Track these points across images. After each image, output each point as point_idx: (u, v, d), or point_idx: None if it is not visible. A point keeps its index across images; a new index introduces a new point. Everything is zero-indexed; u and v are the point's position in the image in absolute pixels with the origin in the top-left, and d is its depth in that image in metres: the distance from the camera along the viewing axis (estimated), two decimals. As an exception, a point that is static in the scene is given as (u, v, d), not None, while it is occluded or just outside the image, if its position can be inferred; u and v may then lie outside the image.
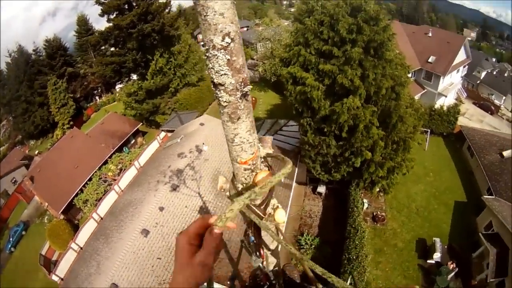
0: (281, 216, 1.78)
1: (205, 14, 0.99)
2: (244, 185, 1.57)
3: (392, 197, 17.04)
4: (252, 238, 2.67)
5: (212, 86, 1.20)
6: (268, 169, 1.60)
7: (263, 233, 2.09)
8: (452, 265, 13.74)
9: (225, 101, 1.20)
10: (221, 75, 1.11)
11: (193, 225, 0.88)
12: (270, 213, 1.78)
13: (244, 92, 1.19)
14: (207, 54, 1.09)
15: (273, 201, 1.84)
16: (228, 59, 1.08)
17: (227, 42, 1.04)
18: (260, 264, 2.58)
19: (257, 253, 2.44)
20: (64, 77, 39.62)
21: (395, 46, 13.58)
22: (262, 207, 1.68)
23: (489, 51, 66.81)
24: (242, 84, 1.17)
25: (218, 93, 1.18)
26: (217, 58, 1.07)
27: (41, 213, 24.58)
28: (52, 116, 37.83)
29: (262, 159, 1.59)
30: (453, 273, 13.65)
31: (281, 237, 2.28)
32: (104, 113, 36.19)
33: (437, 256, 14.61)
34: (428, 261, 14.81)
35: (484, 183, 19.17)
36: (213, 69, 1.11)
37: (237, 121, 1.28)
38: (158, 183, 14.65)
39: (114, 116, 29.82)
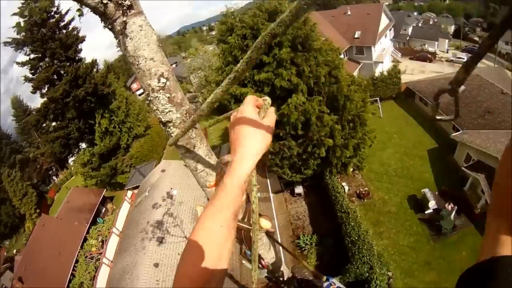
0: (266, 223, 1.84)
1: (137, 63, 1.10)
2: None
3: (368, 170, 17.55)
4: (249, 252, 2.62)
5: (161, 125, 1.27)
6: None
7: (259, 244, 2.14)
8: (450, 206, 14.21)
9: (177, 135, 1.26)
10: (166, 113, 1.20)
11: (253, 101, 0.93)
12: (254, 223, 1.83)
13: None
14: (149, 98, 1.17)
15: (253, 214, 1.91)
16: (169, 97, 1.17)
17: (163, 82, 1.14)
18: (266, 274, 2.55)
19: (259, 265, 2.40)
20: (16, 165, 37.52)
21: (319, 35, 14.24)
22: (245, 219, 1.71)
23: (409, 7, 72.00)
24: (187, 115, 1.25)
25: (169, 130, 1.26)
26: (158, 99, 1.17)
27: (39, 312, 22.62)
28: (17, 210, 35.60)
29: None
30: (454, 212, 14.09)
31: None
32: (66, 191, 34.51)
33: (432, 204, 15.04)
34: (426, 212, 15.24)
35: (447, 124, 20.30)
36: (158, 110, 1.19)
37: (193, 149, 1.36)
38: (143, 241, 14.22)
39: (77, 190, 28.65)
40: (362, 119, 14.69)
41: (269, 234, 2.28)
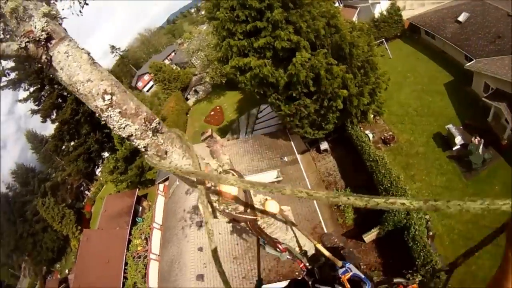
0: (273, 207, 1.75)
1: (77, 90, 1.06)
2: (217, 202, 1.55)
3: (388, 114, 17.10)
4: (263, 241, 2.62)
5: (127, 141, 1.22)
6: (232, 174, 1.57)
7: (273, 228, 2.03)
8: (476, 139, 13.77)
9: (144, 146, 1.22)
10: (124, 128, 1.14)
11: None
12: (262, 210, 1.75)
13: (153, 128, 1.21)
14: (102, 120, 1.12)
15: (258, 198, 1.82)
16: (120, 111, 1.11)
17: (108, 99, 1.08)
18: (288, 257, 2.52)
19: (278, 249, 2.40)
20: (47, 193, 39.25)
21: (308, -12, 13.59)
22: (248, 210, 1.65)
23: None
24: (147, 122, 1.18)
25: (134, 143, 1.21)
26: (111, 117, 1.11)
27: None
28: (59, 233, 37.55)
29: (220, 170, 1.57)
30: (481, 146, 13.66)
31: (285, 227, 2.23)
32: (101, 201, 35.92)
33: (458, 140, 14.71)
34: (454, 148, 14.94)
35: (459, 54, 19.38)
36: (115, 127, 1.13)
37: (166, 155, 1.28)
38: (183, 229, 14.80)
39: (111, 198, 29.71)
40: (372, 63, 14.21)
41: (285, 217, 2.18)
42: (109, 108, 1.08)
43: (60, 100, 25.57)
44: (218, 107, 31.85)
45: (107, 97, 1.07)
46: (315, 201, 13.36)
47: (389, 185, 12.69)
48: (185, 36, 38.67)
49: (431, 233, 12.25)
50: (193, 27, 42.49)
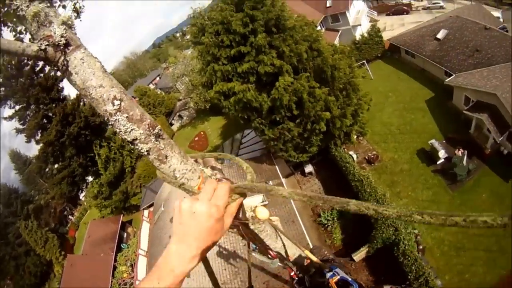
0: (263, 213, 1.77)
1: (89, 94, 1.15)
2: None
3: (371, 134, 17.46)
4: (254, 246, 2.59)
5: (129, 144, 1.30)
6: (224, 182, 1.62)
7: (263, 236, 2.09)
8: (459, 151, 14.11)
9: (146, 150, 1.30)
10: (130, 132, 1.22)
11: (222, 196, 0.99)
12: (252, 216, 1.81)
13: (156, 133, 1.30)
14: (110, 123, 1.21)
15: (249, 204, 1.84)
16: (127, 116, 1.20)
17: (117, 104, 1.17)
18: (279, 263, 2.51)
19: (269, 256, 2.37)
20: (30, 215, 37.92)
21: (291, 13, 14.06)
22: (240, 215, 1.61)
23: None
24: (150, 128, 1.27)
25: (137, 147, 1.29)
26: (118, 121, 1.19)
27: None
28: (42, 257, 36.05)
29: (214, 177, 1.61)
30: (465, 157, 14.01)
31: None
32: (85, 226, 34.92)
33: (442, 153, 15.06)
34: (438, 162, 15.25)
35: (438, 71, 20.14)
36: (121, 131, 1.22)
37: (166, 159, 1.36)
38: (169, 257, 14.24)
39: (95, 223, 28.96)
40: (354, 85, 14.56)
41: (272, 225, 2.22)
42: (118, 113, 1.18)
43: (45, 121, 25.09)
44: (202, 133, 32.02)
45: (117, 102, 1.17)
46: (302, 224, 13.29)
47: (375, 203, 12.71)
48: (170, 60, 39.30)
49: (421, 247, 12.34)
50: (178, 52, 43.09)
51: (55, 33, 1.11)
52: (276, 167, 16.34)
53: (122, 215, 27.42)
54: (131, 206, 28.12)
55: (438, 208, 13.79)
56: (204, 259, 1.11)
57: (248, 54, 12.38)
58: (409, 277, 10.64)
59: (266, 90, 12.47)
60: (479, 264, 11.58)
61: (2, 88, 23.42)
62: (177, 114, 37.25)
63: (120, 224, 25.96)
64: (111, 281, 21.85)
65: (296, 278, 2.36)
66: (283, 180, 15.63)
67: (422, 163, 16.03)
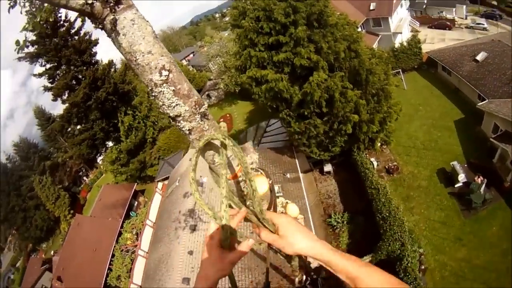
0: (294, 211, 1.76)
1: (135, 59, 1.03)
2: (245, 196, 1.53)
3: (396, 144, 17.13)
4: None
5: (171, 121, 1.21)
6: (260, 173, 1.58)
7: None
8: (479, 179, 13.77)
9: (189, 129, 1.21)
10: (174, 107, 1.13)
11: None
12: (282, 212, 1.77)
13: (202, 112, 1.21)
14: (153, 94, 1.10)
15: (281, 199, 1.82)
16: (174, 90, 1.10)
17: (165, 75, 1.07)
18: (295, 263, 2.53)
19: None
20: (46, 171, 39.29)
21: (334, 10, 13.82)
22: (271, 210, 1.61)
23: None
24: (197, 106, 1.18)
25: (179, 124, 1.20)
26: (163, 93, 1.09)
27: (83, 307, 23.92)
28: (51, 213, 37.37)
29: (251, 165, 1.56)
30: (483, 185, 13.66)
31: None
32: (98, 189, 35.93)
33: (461, 177, 14.66)
34: (456, 185, 14.87)
35: (472, 93, 19.47)
36: (164, 105, 1.12)
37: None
38: (176, 230, 14.58)
39: (108, 188, 29.61)
40: (386, 92, 14.28)
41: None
42: (164, 84, 1.09)
43: (74, 82, 25.74)
44: (228, 115, 32.03)
45: (164, 72, 1.07)
46: (311, 222, 13.29)
47: (387, 214, 12.57)
48: (206, 39, 39.21)
49: (423, 267, 12.17)
50: (215, 32, 43.16)
51: None
52: (296, 160, 16.27)
53: (136, 184, 27.99)
54: (146, 176, 28.51)
55: (448, 231, 13.59)
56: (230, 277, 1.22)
57: (286, 45, 12.26)
58: None
59: (298, 83, 12.36)
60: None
61: (35, 46, 24.13)
62: (206, 93, 37.40)
63: (132, 192, 26.51)
64: (114, 246, 22.32)
65: (309, 280, 2.35)
66: (301, 175, 15.55)
67: (440, 183, 15.65)
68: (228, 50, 27.79)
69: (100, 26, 1.06)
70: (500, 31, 28.48)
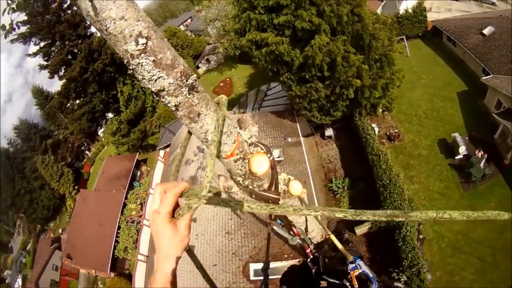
0: (297, 188, 1.70)
1: (105, 27, 0.86)
2: (243, 176, 1.46)
3: (397, 111, 16.98)
4: (279, 221, 2.62)
5: (154, 96, 1.05)
6: (260, 148, 1.48)
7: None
8: (480, 153, 13.81)
9: (175, 105, 1.06)
10: (156, 81, 0.97)
11: (167, 203, 0.95)
12: (284, 190, 1.70)
13: (189, 85, 1.05)
14: (130, 67, 0.94)
15: (283, 176, 1.74)
16: (154, 60, 0.93)
17: (143, 44, 0.90)
18: (299, 241, 2.53)
19: (291, 232, 2.39)
20: (48, 150, 39.32)
21: (336, -29, 13.21)
22: (272, 188, 1.57)
23: None
24: (183, 78, 1.02)
25: (164, 100, 1.04)
26: (141, 65, 0.93)
27: (93, 281, 24.83)
28: (56, 191, 37.77)
29: (249, 142, 1.46)
30: (483, 160, 13.70)
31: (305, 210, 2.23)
32: (100, 162, 36.02)
33: (462, 149, 14.67)
34: (456, 157, 14.90)
35: (477, 66, 19.08)
36: (145, 78, 0.96)
37: (198, 118, 1.14)
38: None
39: (110, 159, 29.66)
40: (390, 58, 13.95)
41: (300, 199, 2.11)
42: (142, 55, 0.91)
43: (70, 57, 25.34)
44: (228, 79, 31.51)
45: (142, 41, 0.89)
46: (312, 186, 13.48)
47: (387, 181, 12.71)
48: (203, 3, 37.77)
49: (421, 237, 12.44)
50: (213, -4, 41.45)
51: None
52: (297, 125, 16.25)
53: (138, 153, 27.98)
54: (148, 145, 28.53)
55: (446, 203, 13.79)
56: (191, 255, 1.17)
57: (287, 7, 11.83)
58: (403, 263, 10.71)
59: (300, 46, 12.07)
60: (470, 270, 11.67)
61: (27, 26, 23.43)
62: (205, 57, 36.51)
63: (135, 162, 26.53)
64: (119, 218, 22.68)
65: (311, 256, 2.35)
66: (302, 139, 15.55)
67: (441, 154, 15.68)
68: (227, 13, 26.90)
69: (68, 11, 0.85)
70: (509, 7, 27.44)
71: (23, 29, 23.18)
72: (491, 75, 16.94)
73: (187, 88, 1.03)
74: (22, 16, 22.48)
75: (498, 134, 15.17)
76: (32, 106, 44.44)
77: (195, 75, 1.06)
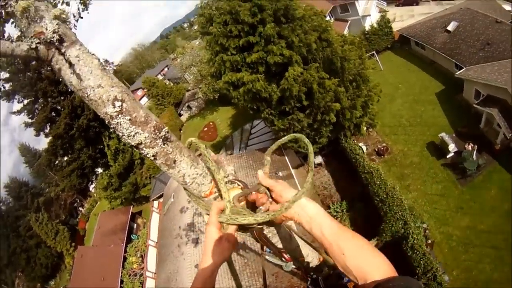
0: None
1: (87, 95, 1.03)
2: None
3: (381, 125, 17.31)
4: (268, 250, 2.56)
5: (135, 149, 1.25)
6: (237, 185, 1.55)
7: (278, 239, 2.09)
8: (469, 146, 13.92)
9: (153, 155, 1.21)
10: (134, 136, 1.12)
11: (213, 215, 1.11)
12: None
13: (163, 136, 1.20)
14: (111, 127, 1.09)
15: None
16: (130, 119, 1.09)
17: (119, 106, 1.07)
18: (293, 266, 2.48)
19: (282, 259, 2.34)
20: (41, 208, 38.59)
21: (299, 3, 13.87)
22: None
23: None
24: (156, 131, 1.17)
25: (143, 151, 1.19)
26: (120, 124, 1.09)
27: None
28: (53, 249, 36.73)
29: (226, 179, 1.53)
30: (475, 152, 13.81)
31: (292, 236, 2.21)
32: (95, 218, 35.44)
33: (452, 147, 14.88)
34: (448, 156, 15.09)
35: (449, 63, 19.77)
36: (124, 135, 1.12)
37: (174, 164, 1.27)
38: (179, 246, 14.48)
39: (105, 214, 29.32)
40: (364, 76, 14.40)
41: (289, 228, 2.16)
42: (119, 115, 1.08)
43: (54, 114, 25.38)
44: (211, 123, 31.97)
45: (118, 103, 1.06)
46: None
47: (384, 196, 12.65)
48: (177, 51, 38.99)
49: (429, 241, 12.26)
50: (186, 42, 42.95)
51: (46, 29, 0.98)
52: (286, 158, 16.27)
53: (132, 206, 27.73)
54: (140, 197, 28.34)
55: (447, 202, 13.75)
56: (229, 263, 1.25)
57: (257, 44, 12.21)
58: (417, 271, 10.49)
59: (275, 80, 12.36)
60: (486, 261, 11.46)
61: (10, 83, 23.66)
62: (186, 104, 37.07)
63: (130, 215, 26.26)
64: (121, 272, 22.15)
65: (310, 280, 2.35)
66: (293, 171, 15.57)
67: (432, 156, 15.84)
68: (201, 58, 27.77)
69: (48, 68, 1.05)
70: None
71: (6, 86, 23.38)
72: (464, 68, 17.56)
73: (161, 139, 1.20)
74: (5, 74, 22.76)
75: (483, 123, 15.45)
76: (21, 164, 44.25)
77: (167, 128, 1.22)
